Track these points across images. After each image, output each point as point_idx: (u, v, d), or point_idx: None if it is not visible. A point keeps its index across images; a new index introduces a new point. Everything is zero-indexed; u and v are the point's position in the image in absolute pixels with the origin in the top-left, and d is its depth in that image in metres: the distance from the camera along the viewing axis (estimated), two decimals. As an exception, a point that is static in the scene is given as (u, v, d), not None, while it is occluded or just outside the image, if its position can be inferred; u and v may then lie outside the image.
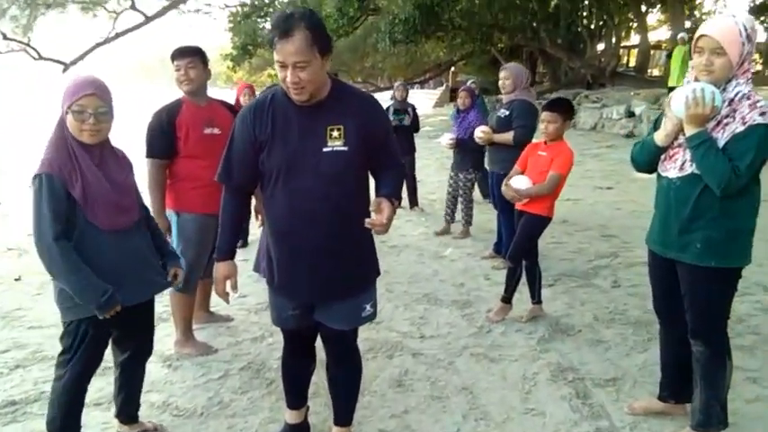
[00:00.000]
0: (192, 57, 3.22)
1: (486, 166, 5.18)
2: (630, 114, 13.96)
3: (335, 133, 2.05)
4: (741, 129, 2.16)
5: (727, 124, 2.20)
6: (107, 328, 2.30)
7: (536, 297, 3.89)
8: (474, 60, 26.15)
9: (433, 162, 11.14)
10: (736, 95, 2.21)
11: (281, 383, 2.67)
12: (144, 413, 2.69)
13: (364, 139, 2.09)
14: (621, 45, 25.80)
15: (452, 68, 29.07)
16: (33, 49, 17.82)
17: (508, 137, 4.66)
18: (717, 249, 2.26)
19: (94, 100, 2.13)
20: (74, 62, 18.08)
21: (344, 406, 2.48)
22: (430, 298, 4.32)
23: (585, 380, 3.08)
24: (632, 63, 26.24)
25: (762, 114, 2.14)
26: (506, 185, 3.78)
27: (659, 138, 2.38)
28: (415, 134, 7.32)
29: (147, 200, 2.83)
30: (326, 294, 2.21)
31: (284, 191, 2.10)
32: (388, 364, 3.30)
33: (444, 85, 31.64)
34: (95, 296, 2.12)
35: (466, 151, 5.84)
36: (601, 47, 24.50)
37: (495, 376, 3.15)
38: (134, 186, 2.40)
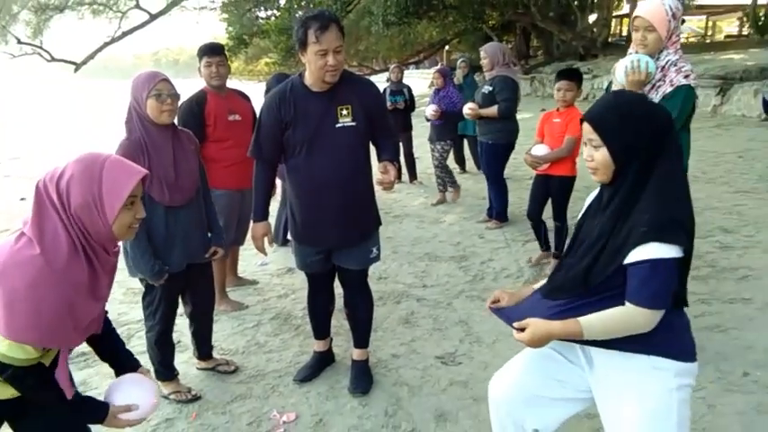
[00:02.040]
0: (221, 55, 3.71)
1: (477, 136, 5.70)
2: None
3: (345, 111, 2.58)
4: (669, 89, 2.69)
5: (659, 87, 2.73)
6: (172, 284, 2.78)
7: (559, 250, 4.30)
8: (467, 38, 26.41)
9: (431, 139, 11.65)
10: (666, 63, 2.73)
11: (307, 326, 3.31)
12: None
13: (367, 115, 2.62)
14: (613, 15, 26.03)
15: (446, 47, 29.36)
16: (46, 51, 18.25)
17: (493, 110, 5.16)
18: None
19: (167, 84, 2.61)
20: (84, 62, 18.51)
21: (361, 332, 3.04)
22: (430, 255, 4.88)
23: (562, 309, 3.65)
24: (625, 32, 26.50)
25: (686, 77, 2.67)
26: (528, 154, 4.20)
27: None
28: (411, 113, 7.82)
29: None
30: (342, 241, 2.76)
31: (307, 160, 2.62)
32: (396, 308, 3.87)
33: (439, 65, 31.89)
34: (148, 268, 2.62)
35: (444, 124, 6.39)
36: (593, 18, 24.75)
37: (486, 312, 3.68)
38: (195, 168, 2.82)
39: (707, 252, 4.39)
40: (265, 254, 2.97)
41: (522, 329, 1.63)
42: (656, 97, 2.73)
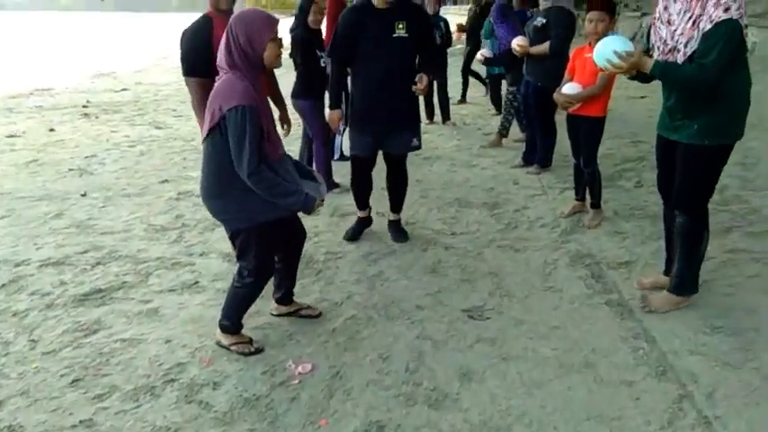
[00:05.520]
0: None
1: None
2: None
3: (400, 26, 3.37)
4: (709, 27, 2.36)
5: (699, 23, 2.39)
6: (274, 234, 2.59)
7: (596, 199, 4.03)
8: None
9: (466, 78, 11.15)
10: None
11: (329, 270, 3.43)
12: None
13: (417, 32, 3.41)
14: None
15: (486, -18, 27.96)
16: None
17: (544, 48, 4.74)
18: (709, 130, 2.54)
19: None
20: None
21: (397, 201, 3.93)
22: (461, 201, 4.63)
23: (601, 264, 3.41)
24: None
25: (726, 10, 2.33)
26: (558, 93, 3.87)
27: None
28: (447, 49, 7.40)
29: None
30: (391, 126, 3.56)
31: (368, 63, 3.46)
32: (423, 256, 3.67)
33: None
34: (294, 197, 2.43)
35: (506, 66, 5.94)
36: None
37: (518, 263, 3.49)
38: None
39: (762, 206, 4.04)
40: (340, 132, 4.20)
41: None
42: (696, 36, 2.42)
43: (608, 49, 2.59)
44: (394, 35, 3.35)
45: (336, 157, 5.28)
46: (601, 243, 3.69)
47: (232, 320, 2.73)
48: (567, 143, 4.20)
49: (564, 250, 3.61)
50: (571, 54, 4.10)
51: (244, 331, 2.82)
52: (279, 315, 3.02)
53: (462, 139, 6.72)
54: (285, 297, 3.00)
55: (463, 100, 8.98)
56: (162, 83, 12.87)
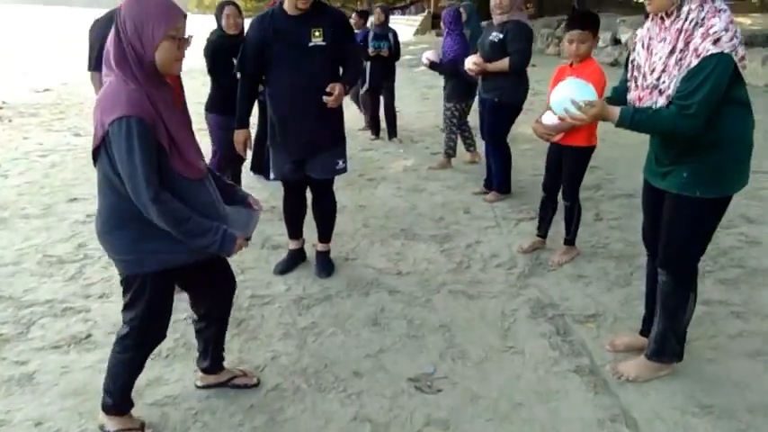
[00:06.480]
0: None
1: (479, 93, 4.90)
2: (616, 42, 13.56)
3: (317, 33, 3.00)
4: (695, 63, 1.99)
5: (682, 59, 2.03)
6: (171, 282, 2.09)
7: (572, 236, 3.65)
8: (457, -15, 25.12)
9: (414, 92, 10.79)
10: (690, 23, 2.02)
11: (252, 320, 2.90)
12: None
13: (335, 39, 3.03)
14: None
15: (435, -7, 27.93)
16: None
17: (504, 64, 4.36)
18: (701, 179, 2.16)
19: (185, 24, 1.84)
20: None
21: (325, 228, 3.55)
22: (407, 233, 4.17)
23: (565, 316, 2.99)
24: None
25: (715, 42, 1.96)
26: (537, 123, 3.22)
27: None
28: (396, 62, 6.97)
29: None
30: (311, 150, 3.19)
31: (283, 74, 3.06)
32: (364, 303, 3.18)
33: (426, 11, 30.56)
34: (209, 236, 1.91)
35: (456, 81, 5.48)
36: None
37: (473, 313, 3.04)
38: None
39: (731, 247, 3.74)
40: (244, 158, 3.60)
41: None
42: (678, 74, 2.04)
43: (565, 98, 2.22)
44: (310, 44, 2.98)
45: (272, 177, 4.71)
46: (563, 289, 3.29)
47: (114, 398, 2.15)
48: (520, 166, 3.79)
49: (523, 298, 3.18)
50: (553, 74, 3.67)
51: (138, 409, 2.26)
52: (206, 387, 2.46)
53: (409, 159, 6.28)
54: (214, 365, 2.44)
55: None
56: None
